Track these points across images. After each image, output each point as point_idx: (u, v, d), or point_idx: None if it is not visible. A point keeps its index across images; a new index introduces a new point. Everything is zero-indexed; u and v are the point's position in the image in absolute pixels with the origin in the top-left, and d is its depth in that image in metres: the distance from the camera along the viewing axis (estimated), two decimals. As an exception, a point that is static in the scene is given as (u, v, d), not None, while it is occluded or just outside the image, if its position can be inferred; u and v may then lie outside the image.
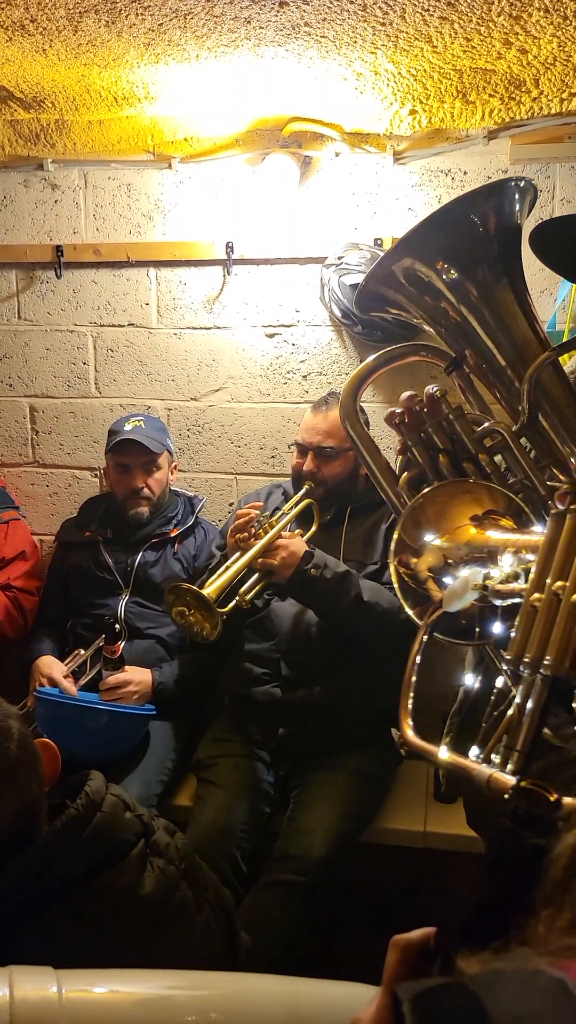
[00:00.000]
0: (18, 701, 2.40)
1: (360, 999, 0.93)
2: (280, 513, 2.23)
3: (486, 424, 1.16)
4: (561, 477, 1.11)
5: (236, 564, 2.03)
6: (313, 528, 2.27)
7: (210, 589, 1.95)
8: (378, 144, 2.52)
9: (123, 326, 2.79)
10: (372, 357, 1.31)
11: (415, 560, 0.98)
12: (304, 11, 1.75)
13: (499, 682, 0.99)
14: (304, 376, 2.70)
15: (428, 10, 1.73)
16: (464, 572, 0.90)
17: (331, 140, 2.50)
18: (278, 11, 1.75)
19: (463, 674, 1.03)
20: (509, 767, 0.75)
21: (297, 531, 2.23)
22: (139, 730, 2.26)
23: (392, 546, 1.00)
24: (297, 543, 2.10)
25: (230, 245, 2.62)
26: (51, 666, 2.35)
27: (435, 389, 1.22)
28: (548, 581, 0.79)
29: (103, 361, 2.82)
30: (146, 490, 2.47)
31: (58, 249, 2.74)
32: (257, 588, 2.08)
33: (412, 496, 1.19)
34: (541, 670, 0.76)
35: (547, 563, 0.80)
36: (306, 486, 2.27)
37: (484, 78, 2.08)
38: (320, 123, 2.44)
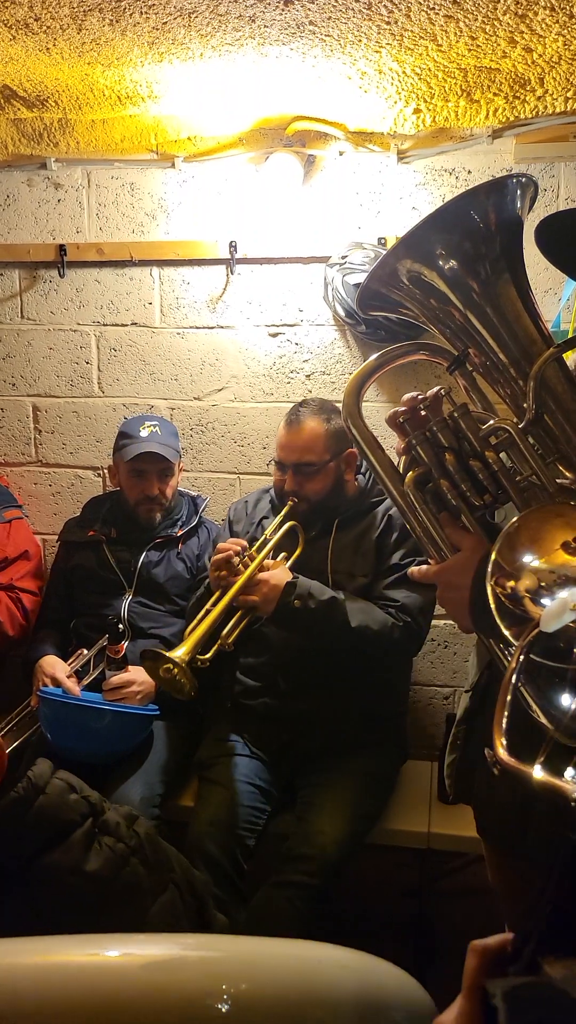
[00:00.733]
0: (21, 701, 2.40)
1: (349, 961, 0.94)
2: (261, 540, 2.15)
3: (492, 422, 1.15)
4: (567, 474, 1.11)
5: (214, 609, 1.97)
6: (298, 551, 2.19)
7: (182, 651, 1.89)
8: (382, 143, 2.51)
9: (126, 325, 2.78)
10: (374, 356, 1.29)
11: (512, 582, 0.98)
12: (309, 10, 1.75)
13: None
14: (307, 376, 2.69)
15: (434, 9, 1.72)
16: (563, 594, 0.91)
17: (335, 139, 2.50)
18: (283, 10, 1.75)
19: (563, 694, 1.00)
20: None
21: (282, 555, 2.17)
22: (142, 730, 2.25)
23: (488, 568, 0.99)
24: (278, 575, 2.05)
25: (233, 244, 2.62)
26: (54, 666, 2.34)
27: (440, 387, 1.23)
28: None
29: (106, 360, 2.82)
30: (161, 497, 2.47)
31: (61, 248, 2.73)
32: (241, 627, 2.03)
33: (419, 495, 1.20)
34: None
35: None
36: (290, 502, 2.19)
37: (489, 77, 2.08)
38: (324, 122, 2.43)
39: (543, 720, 0.96)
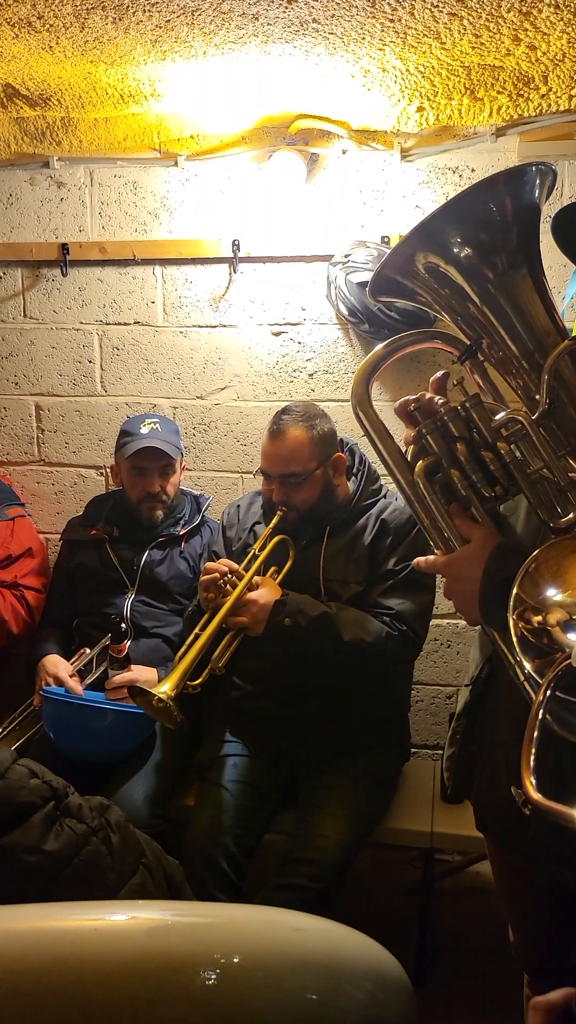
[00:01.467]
0: (23, 698, 2.41)
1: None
2: (250, 555, 2.12)
3: (504, 412, 1.14)
4: (571, 462, 1.09)
5: (203, 635, 1.94)
6: (288, 564, 2.15)
7: (167, 686, 1.85)
8: (385, 141, 2.51)
9: (129, 324, 2.78)
10: (384, 343, 1.26)
11: (538, 616, 0.97)
12: (312, 8, 1.74)
13: None
14: (311, 374, 2.69)
15: (437, 6, 1.72)
16: None
17: (338, 137, 2.49)
18: (286, 7, 1.74)
19: None
20: None
21: (271, 569, 2.14)
22: (145, 730, 2.25)
23: (511, 602, 0.98)
24: (267, 594, 2.02)
25: (236, 243, 2.61)
26: (57, 665, 2.34)
27: (444, 371, 1.22)
28: None
29: (109, 359, 2.81)
30: (163, 494, 2.47)
31: (64, 247, 2.73)
32: (232, 648, 2.00)
33: (428, 484, 1.18)
34: None
35: None
36: (279, 512, 2.15)
37: (493, 75, 2.07)
38: (327, 120, 2.43)
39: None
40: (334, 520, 2.19)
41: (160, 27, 1.85)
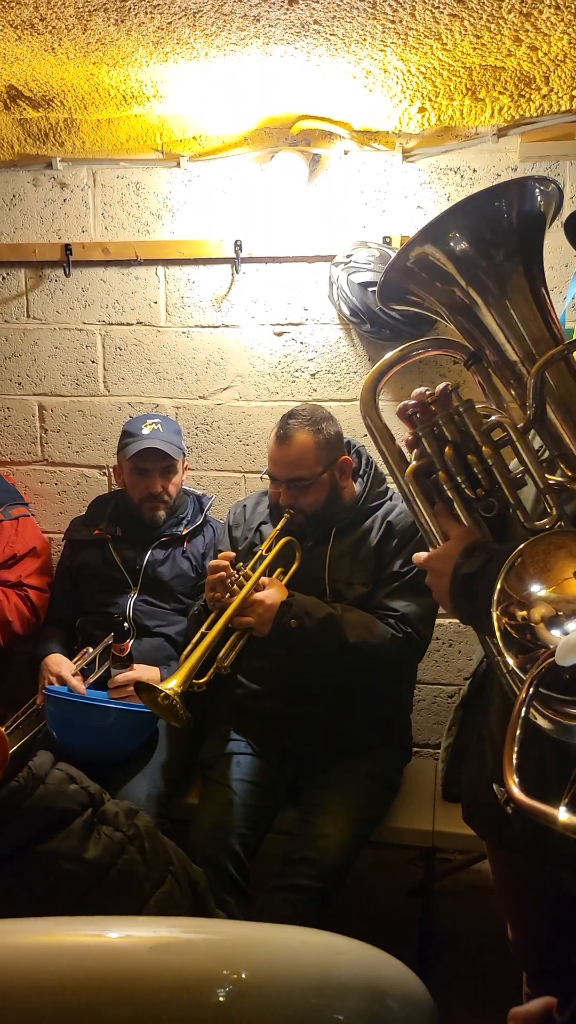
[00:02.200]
0: (26, 697, 2.41)
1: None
2: (257, 556, 2.13)
3: (493, 417, 1.18)
4: (568, 472, 1.13)
5: (209, 633, 1.94)
6: (295, 566, 2.16)
7: (174, 683, 1.86)
8: (387, 142, 2.51)
9: (131, 324, 2.79)
10: (396, 350, 1.32)
11: (522, 611, 0.98)
12: (314, 9, 1.75)
13: None
14: (313, 374, 2.69)
15: (438, 7, 1.72)
16: None
17: (340, 138, 2.50)
18: (287, 9, 1.75)
19: None
20: None
21: (278, 570, 2.14)
22: (147, 728, 2.26)
23: (495, 596, 1.00)
24: (274, 595, 2.02)
25: (238, 243, 2.62)
26: (60, 664, 2.35)
27: (446, 384, 1.26)
28: None
29: (111, 359, 2.82)
30: (164, 494, 2.47)
31: (67, 248, 2.74)
32: (238, 648, 2.01)
33: (416, 485, 1.25)
34: None
35: None
36: (286, 515, 2.15)
37: (494, 75, 2.08)
38: (329, 121, 2.44)
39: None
40: (340, 521, 2.19)
41: (162, 29, 1.86)
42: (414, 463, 1.26)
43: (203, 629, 1.97)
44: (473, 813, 1.41)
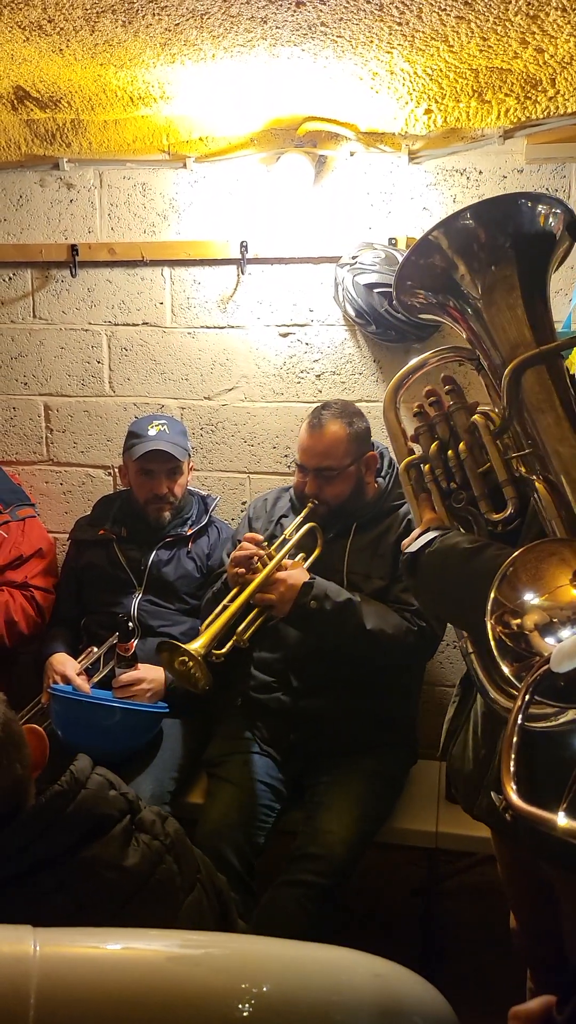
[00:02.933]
0: (32, 697, 2.42)
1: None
2: (280, 539, 2.18)
3: (474, 417, 1.32)
4: (522, 469, 1.23)
5: (232, 604, 2.00)
6: (316, 552, 2.21)
7: (199, 644, 1.92)
8: (393, 143, 2.51)
9: (137, 325, 2.80)
10: (418, 358, 1.50)
11: (516, 619, 1.00)
12: (321, 11, 1.75)
13: None
14: (318, 376, 2.70)
15: (445, 10, 1.73)
16: (571, 633, 0.93)
17: (346, 139, 2.50)
18: (295, 11, 1.75)
19: None
20: None
21: (299, 555, 2.18)
22: (152, 727, 2.27)
23: (488, 606, 1.03)
24: (296, 575, 2.06)
25: (244, 244, 2.63)
26: (65, 663, 2.36)
27: (445, 385, 1.40)
28: None
29: (117, 360, 2.83)
30: (170, 495, 2.48)
31: (73, 248, 2.75)
32: (256, 624, 2.05)
33: (405, 476, 1.40)
34: None
35: None
36: (309, 505, 2.20)
37: (500, 77, 2.08)
38: (335, 122, 2.44)
39: None
40: (362, 517, 2.24)
41: (169, 30, 1.86)
42: (406, 459, 1.41)
43: (225, 602, 2.03)
44: (457, 786, 1.48)
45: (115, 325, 2.81)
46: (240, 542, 2.32)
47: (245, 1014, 0.83)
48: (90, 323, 2.82)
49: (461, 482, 1.33)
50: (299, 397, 2.71)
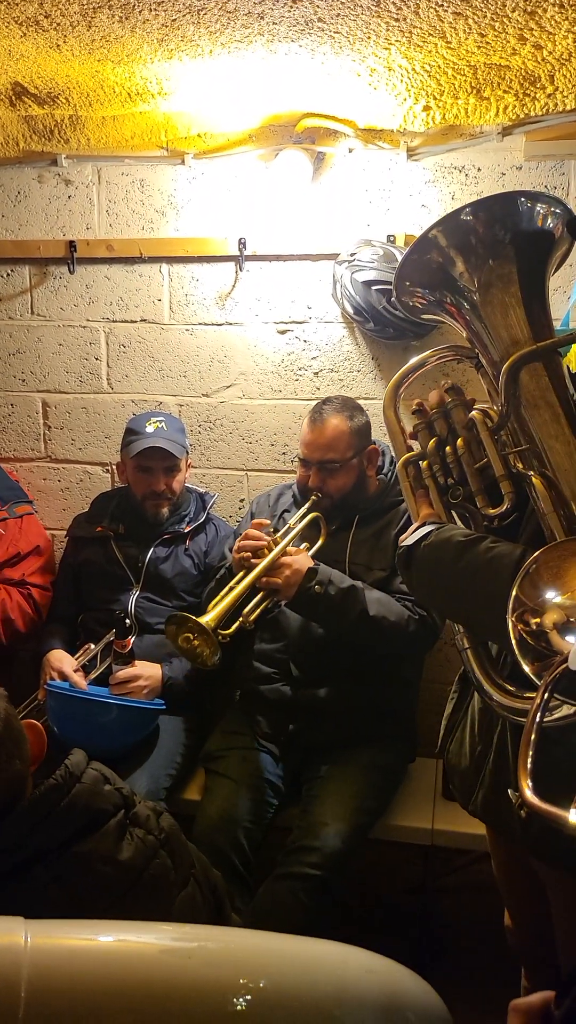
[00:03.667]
0: (30, 694, 2.42)
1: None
2: (285, 528, 2.21)
3: (472, 413, 1.33)
4: (519, 465, 1.24)
5: (239, 585, 2.03)
6: (320, 541, 2.25)
7: (209, 617, 1.95)
8: (391, 140, 2.51)
9: (135, 322, 2.79)
10: (419, 357, 1.50)
11: (536, 618, 1.00)
12: (317, 7, 1.75)
13: None
14: (316, 373, 2.70)
15: (442, 5, 1.72)
16: None
17: (344, 136, 2.49)
18: (291, 7, 1.75)
19: None
20: None
21: (303, 544, 2.21)
22: (148, 724, 2.27)
23: (509, 604, 1.03)
24: (301, 560, 2.09)
25: (243, 241, 2.62)
26: (61, 660, 2.36)
27: (444, 384, 1.40)
28: None
29: (115, 357, 2.83)
30: (168, 492, 2.49)
31: (71, 244, 2.75)
32: (261, 608, 2.08)
33: (408, 474, 1.42)
34: None
35: None
36: (312, 498, 2.24)
37: (499, 74, 2.07)
38: (333, 119, 2.43)
39: None
40: (363, 510, 2.28)
41: (166, 26, 1.86)
42: (404, 456, 1.42)
43: (232, 584, 2.06)
44: (454, 782, 1.48)
45: (113, 322, 2.81)
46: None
47: (239, 1008, 0.83)
48: (88, 320, 2.82)
49: (458, 478, 1.34)
50: (297, 394, 2.71)
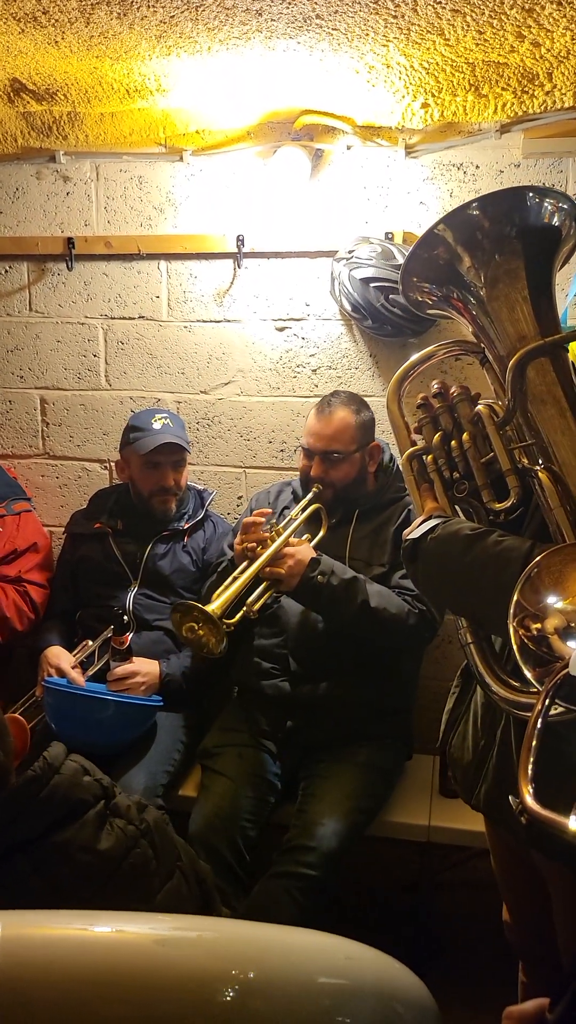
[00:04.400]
0: (27, 690, 2.42)
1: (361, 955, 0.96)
2: (288, 519, 2.23)
3: (478, 408, 1.32)
4: (524, 461, 1.25)
5: (243, 576, 2.05)
6: (321, 532, 2.27)
7: (215, 605, 1.97)
8: (390, 137, 2.51)
9: (133, 319, 2.79)
10: (425, 350, 1.48)
11: (536, 623, 1.00)
12: (315, 3, 1.75)
13: None
14: (314, 370, 2.70)
15: (440, 3, 1.72)
16: None
17: (343, 133, 2.49)
18: (289, 3, 1.75)
19: None
20: None
21: (305, 536, 2.23)
22: (146, 721, 2.27)
23: (511, 609, 1.03)
24: (304, 550, 2.11)
25: (241, 238, 2.62)
26: (59, 656, 2.36)
27: (447, 379, 1.37)
28: None
29: (113, 354, 2.83)
30: (175, 487, 2.50)
31: (69, 241, 2.74)
32: (265, 597, 2.10)
33: (407, 467, 1.41)
34: None
35: None
36: (314, 489, 2.26)
37: (497, 71, 2.07)
38: (332, 116, 2.43)
39: None
40: (364, 505, 2.30)
41: (164, 22, 1.86)
42: (409, 450, 1.41)
43: (236, 573, 2.08)
44: (456, 776, 1.48)
45: (111, 319, 2.81)
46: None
47: (221, 999, 0.83)
48: (86, 316, 2.82)
49: (464, 472, 1.34)
50: (295, 392, 2.71)
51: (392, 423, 1.48)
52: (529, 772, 0.89)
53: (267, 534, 2.12)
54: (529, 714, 0.97)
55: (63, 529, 2.72)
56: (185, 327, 2.76)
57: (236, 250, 2.63)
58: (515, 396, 1.23)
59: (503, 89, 2.18)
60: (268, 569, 2.07)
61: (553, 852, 1.27)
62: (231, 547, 2.32)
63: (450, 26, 1.83)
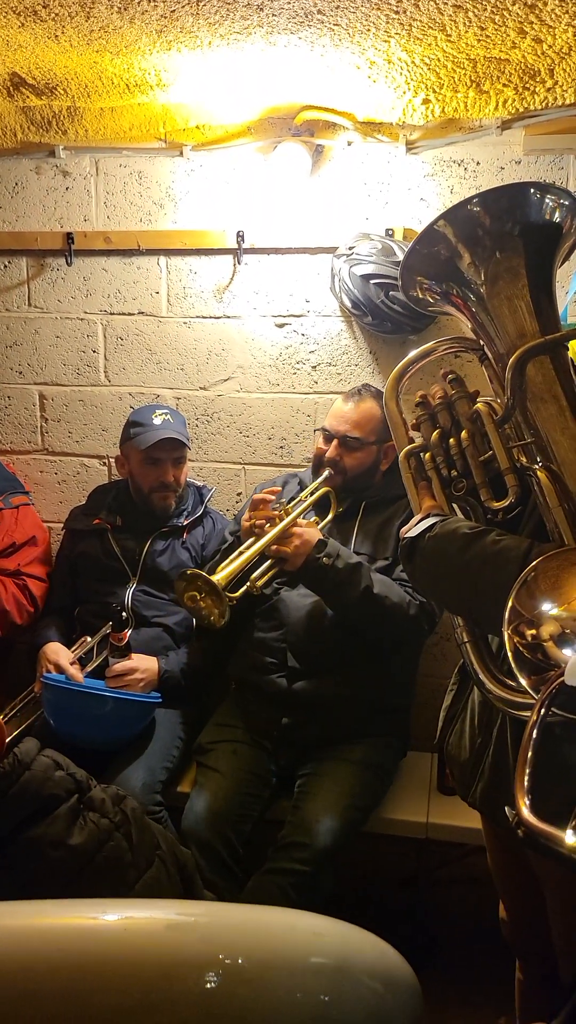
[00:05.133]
0: (26, 687, 2.42)
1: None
2: (297, 500, 2.25)
3: (477, 406, 1.32)
4: (523, 460, 1.24)
5: (249, 550, 2.06)
6: (330, 516, 2.29)
7: (220, 575, 1.97)
8: (390, 133, 2.50)
9: (133, 314, 2.79)
10: (423, 347, 1.48)
11: (532, 630, 0.99)
12: (317, -1, 1.74)
13: None
14: (313, 367, 2.69)
15: (442, -2, 1.72)
16: None
17: (343, 129, 2.49)
18: (291, -2, 1.74)
19: None
20: None
21: (313, 519, 2.24)
22: (144, 717, 2.27)
23: (506, 615, 1.02)
24: (311, 531, 2.12)
25: (241, 234, 2.61)
26: (58, 652, 2.36)
27: (447, 374, 1.41)
28: None
29: (112, 349, 2.82)
30: (175, 483, 2.50)
31: (69, 236, 2.74)
32: (269, 575, 2.11)
33: (405, 464, 1.41)
34: None
35: None
36: (326, 472, 2.28)
37: (498, 68, 2.07)
38: (332, 112, 2.42)
39: None
40: (371, 498, 2.32)
41: (165, 17, 1.85)
42: (407, 447, 1.41)
43: (242, 548, 2.09)
44: (453, 773, 1.49)
45: (111, 314, 2.80)
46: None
47: (210, 985, 0.83)
48: (86, 312, 2.81)
49: (462, 470, 1.34)
50: (295, 388, 2.70)
51: (391, 420, 1.48)
52: (526, 783, 0.88)
53: (276, 512, 2.13)
54: (524, 714, 0.97)
55: (62, 525, 2.72)
56: (184, 323, 2.76)
57: (236, 246, 2.63)
58: (514, 394, 1.22)
59: (504, 85, 2.17)
60: (275, 547, 2.08)
61: (547, 851, 1.28)
62: (232, 534, 2.33)
63: (452, 22, 1.82)
